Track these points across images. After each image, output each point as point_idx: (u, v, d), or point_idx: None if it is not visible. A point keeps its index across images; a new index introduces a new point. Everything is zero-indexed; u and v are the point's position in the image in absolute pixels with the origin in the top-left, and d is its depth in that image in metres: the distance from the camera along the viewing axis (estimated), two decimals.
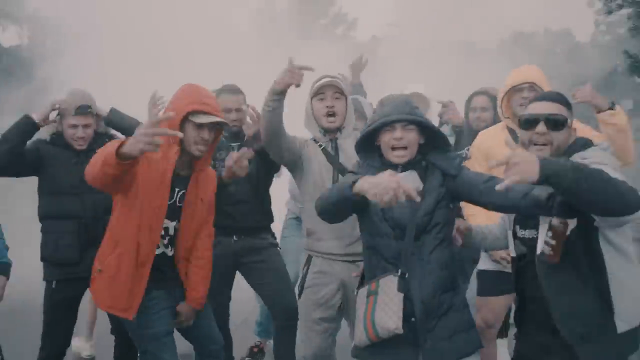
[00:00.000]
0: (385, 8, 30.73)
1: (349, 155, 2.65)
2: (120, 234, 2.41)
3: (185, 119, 2.36)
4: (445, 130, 3.04)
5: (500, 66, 3.47)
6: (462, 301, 2.15)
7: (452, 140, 2.94)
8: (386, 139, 2.07)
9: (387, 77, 4.26)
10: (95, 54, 9.51)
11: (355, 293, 2.21)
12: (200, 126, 2.37)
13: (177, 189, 2.46)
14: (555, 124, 1.95)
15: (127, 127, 3.01)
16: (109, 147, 2.03)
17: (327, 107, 2.66)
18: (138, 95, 3.39)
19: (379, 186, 1.85)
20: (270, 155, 2.78)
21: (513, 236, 2.12)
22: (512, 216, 2.13)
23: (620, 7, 5.93)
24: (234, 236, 3.08)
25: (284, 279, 3.19)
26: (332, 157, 2.70)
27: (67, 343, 3.02)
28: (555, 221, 1.79)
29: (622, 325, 1.86)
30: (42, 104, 2.92)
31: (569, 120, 1.98)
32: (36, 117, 2.84)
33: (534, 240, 1.99)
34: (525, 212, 1.96)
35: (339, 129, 2.72)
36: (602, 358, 1.89)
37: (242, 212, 3.08)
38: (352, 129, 2.79)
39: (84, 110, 2.90)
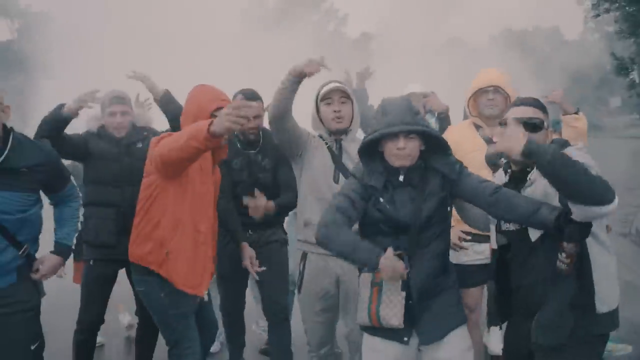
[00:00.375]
0: (376, 4, 30.76)
1: (351, 157, 2.77)
2: (178, 217, 2.56)
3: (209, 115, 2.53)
4: (433, 122, 3.16)
5: (490, 64, 3.55)
6: (452, 280, 2.27)
7: (436, 126, 3.08)
8: (389, 147, 2.13)
9: (377, 74, 4.29)
10: (88, 49, 9.48)
11: (358, 275, 2.27)
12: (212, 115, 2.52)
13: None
14: (533, 127, 2.11)
15: (173, 110, 3.12)
16: (198, 125, 2.23)
17: (335, 111, 2.77)
18: (131, 90, 3.43)
19: (391, 273, 2.01)
20: (275, 136, 2.85)
21: (496, 229, 2.23)
22: None
23: (608, 11, 6.02)
24: (250, 230, 3.13)
25: (279, 276, 3.24)
26: (336, 157, 2.81)
27: (101, 318, 3.22)
28: (568, 246, 1.91)
29: (602, 307, 2.02)
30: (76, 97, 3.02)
31: (545, 123, 2.15)
32: (66, 108, 2.96)
33: (520, 232, 2.10)
34: (531, 227, 2.04)
35: (345, 132, 2.82)
36: (585, 338, 2.02)
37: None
38: (357, 132, 2.91)
39: (120, 99, 3.18)
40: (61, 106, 2.98)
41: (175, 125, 2.90)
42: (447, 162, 2.16)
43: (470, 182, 2.13)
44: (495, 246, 2.25)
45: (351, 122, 2.83)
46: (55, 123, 2.96)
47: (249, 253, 2.94)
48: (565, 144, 2.15)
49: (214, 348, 3.91)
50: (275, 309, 3.17)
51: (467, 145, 3.00)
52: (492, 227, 2.26)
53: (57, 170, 2.48)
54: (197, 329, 2.82)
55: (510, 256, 2.18)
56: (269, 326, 3.27)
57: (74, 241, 2.65)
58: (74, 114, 2.95)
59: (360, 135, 3.06)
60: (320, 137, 2.84)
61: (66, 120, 2.97)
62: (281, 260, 3.26)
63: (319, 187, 2.77)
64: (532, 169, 2.07)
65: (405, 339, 2.21)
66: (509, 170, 2.19)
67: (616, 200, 1.83)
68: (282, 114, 2.71)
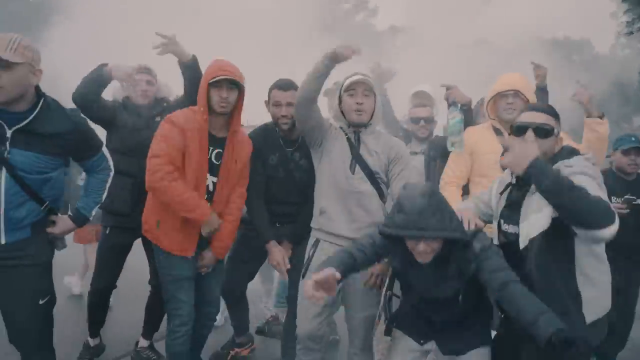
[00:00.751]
0: None
1: (369, 150, 2.85)
2: None
3: (210, 87, 2.74)
4: (457, 113, 3.13)
5: (514, 69, 3.53)
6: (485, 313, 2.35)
7: (460, 115, 3.09)
8: (410, 244, 2.11)
9: (400, 69, 4.29)
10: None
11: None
12: (217, 86, 2.72)
13: (211, 148, 2.82)
14: (543, 132, 2.14)
15: (193, 77, 3.16)
16: (199, 212, 2.77)
17: (357, 103, 2.81)
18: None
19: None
20: (298, 123, 2.90)
21: (497, 228, 2.28)
22: (500, 208, 2.30)
23: None
24: (277, 223, 3.17)
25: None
26: (354, 148, 2.86)
27: (113, 283, 3.45)
28: None
29: (590, 315, 2.08)
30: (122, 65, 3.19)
31: (555, 130, 2.17)
32: (108, 69, 3.10)
33: (515, 235, 2.16)
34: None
35: (365, 125, 2.85)
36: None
37: None
38: (377, 126, 2.96)
39: (147, 69, 3.41)
40: (103, 66, 3.06)
41: (192, 91, 2.99)
42: (464, 257, 2.11)
43: (482, 274, 2.09)
44: (496, 242, 2.29)
45: (372, 116, 2.85)
46: (98, 83, 3.09)
47: (277, 255, 3.01)
48: (574, 152, 2.16)
49: (218, 322, 4.01)
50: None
51: (485, 147, 3.05)
52: (495, 224, 2.31)
53: (84, 140, 2.53)
54: (198, 304, 2.90)
55: (507, 257, 2.19)
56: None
57: (93, 212, 2.71)
58: (114, 78, 3.10)
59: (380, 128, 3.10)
60: (341, 128, 2.88)
61: (107, 82, 3.11)
62: None
63: (335, 176, 2.82)
64: None
65: (422, 341, 2.36)
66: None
67: (617, 223, 1.83)
68: (310, 98, 2.75)
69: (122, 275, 3.48)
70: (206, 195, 2.84)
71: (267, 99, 3.17)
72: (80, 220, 2.66)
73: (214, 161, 2.83)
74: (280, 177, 3.06)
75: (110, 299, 3.62)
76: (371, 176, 2.83)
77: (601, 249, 2.12)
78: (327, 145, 2.88)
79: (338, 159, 2.84)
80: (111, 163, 2.73)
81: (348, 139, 2.87)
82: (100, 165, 2.68)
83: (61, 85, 3.69)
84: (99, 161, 2.66)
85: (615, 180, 3.52)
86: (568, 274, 2.06)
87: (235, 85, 2.76)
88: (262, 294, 4.45)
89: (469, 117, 3.32)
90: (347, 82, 2.81)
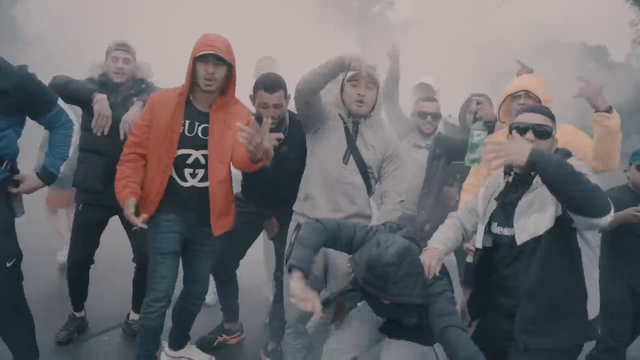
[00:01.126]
0: None
1: (365, 143, 2.83)
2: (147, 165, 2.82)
3: (196, 62, 2.68)
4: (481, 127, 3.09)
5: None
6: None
7: (484, 135, 3.01)
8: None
9: (413, 63, 4.22)
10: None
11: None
12: (203, 61, 2.65)
13: (197, 123, 2.78)
14: (542, 133, 2.16)
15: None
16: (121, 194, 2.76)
17: (359, 94, 2.77)
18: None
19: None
20: (297, 107, 2.85)
21: (485, 230, 2.30)
22: (488, 210, 2.32)
23: None
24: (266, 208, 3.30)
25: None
26: (350, 138, 2.83)
27: (90, 258, 3.46)
28: None
29: (591, 312, 2.13)
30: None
31: (553, 132, 2.20)
32: (95, 102, 3.12)
33: (510, 238, 2.18)
34: None
35: (364, 116, 2.81)
36: (561, 342, 2.12)
37: None
38: (377, 119, 2.93)
39: (125, 45, 3.34)
40: (93, 95, 3.08)
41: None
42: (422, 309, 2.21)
43: (429, 315, 2.18)
44: (479, 245, 2.30)
45: (372, 108, 2.80)
46: (79, 102, 3.11)
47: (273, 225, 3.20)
48: (568, 154, 2.18)
49: (209, 300, 3.98)
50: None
51: None
52: (480, 228, 2.31)
53: (33, 96, 2.47)
54: (187, 281, 2.88)
55: (498, 257, 2.25)
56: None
57: (61, 169, 2.69)
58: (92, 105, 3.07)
59: (383, 116, 3.05)
60: (340, 116, 2.83)
61: (87, 103, 3.11)
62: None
63: (327, 164, 2.78)
64: (536, 172, 2.07)
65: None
66: (511, 173, 2.21)
67: (612, 212, 1.88)
68: (311, 91, 2.71)
69: (111, 251, 3.48)
70: (198, 171, 2.81)
71: (251, 93, 3.10)
72: (47, 177, 2.66)
73: (202, 136, 2.79)
74: (268, 172, 2.95)
75: (100, 275, 3.64)
76: (363, 169, 2.82)
77: (597, 244, 2.16)
78: (323, 132, 2.85)
79: (332, 147, 2.82)
80: (72, 117, 2.72)
81: (346, 129, 2.83)
82: (59, 120, 2.64)
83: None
84: (56, 116, 2.63)
85: (630, 196, 3.40)
86: (576, 272, 2.09)
87: (224, 61, 2.69)
88: (266, 279, 4.42)
89: (490, 134, 3.22)
90: (351, 72, 2.76)
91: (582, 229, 2.02)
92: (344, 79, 2.85)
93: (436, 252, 2.36)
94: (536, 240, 2.09)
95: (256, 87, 3.03)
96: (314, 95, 2.73)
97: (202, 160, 2.81)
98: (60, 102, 2.69)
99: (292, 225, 2.93)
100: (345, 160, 2.80)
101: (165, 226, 2.81)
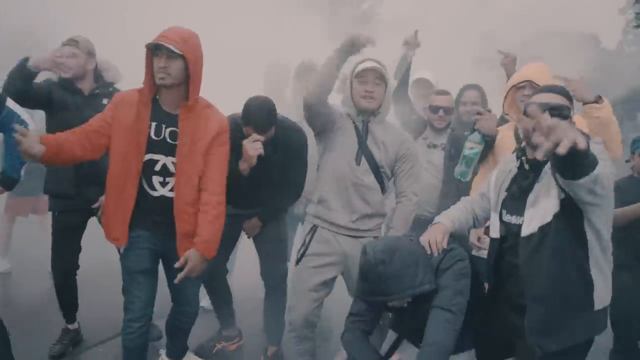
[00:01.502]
0: None
1: (376, 141, 2.80)
2: (109, 172, 2.58)
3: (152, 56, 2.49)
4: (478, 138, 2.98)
5: (520, 61, 3.42)
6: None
7: (478, 149, 2.93)
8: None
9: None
10: None
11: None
12: (155, 54, 2.46)
13: (164, 125, 2.57)
14: (560, 114, 2.03)
15: None
16: None
17: (367, 91, 2.75)
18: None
19: None
20: (307, 117, 2.80)
21: (499, 219, 2.23)
22: (500, 198, 2.24)
23: None
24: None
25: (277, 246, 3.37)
26: (361, 138, 2.80)
27: (74, 264, 3.36)
28: None
29: (598, 302, 2.06)
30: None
31: (571, 112, 2.10)
32: (32, 63, 2.90)
33: (518, 227, 2.12)
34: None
35: (373, 112, 2.77)
36: (575, 337, 2.06)
37: None
38: (386, 116, 2.90)
39: (73, 41, 3.18)
40: (26, 60, 2.85)
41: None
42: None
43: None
44: (496, 235, 2.23)
45: (381, 105, 2.79)
46: (24, 79, 2.88)
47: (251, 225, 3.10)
48: (587, 137, 2.08)
49: (206, 304, 3.89)
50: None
51: (507, 145, 2.94)
52: (494, 216, 2.25)
53: None
54: (176, 302, 2.77)
55: (506, 246, 2.19)
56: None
57: (22, 173, 2.61)
58: (40, 69, 2.90)
59: (389, 118, 3.02)
60: (349, 115, 2.81)
61: (33, 76, 2.91)
62: (279, 232, 3.32)
63: (339, 166, 2.77)
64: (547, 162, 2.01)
65: None
66: (523, 158, 2.14)
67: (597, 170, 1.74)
68: (322, 99, 2.68)
69: (100, 259, 3.42)
70: (168, 179, 2.58)
71: (240, 115, 2.98)
72: (7, 182, 2.56)
73: (169, 140, 2.56)
74: (251, 175, 2.87)
75: (91, 284, 3.58)
76: (375, 169, 2.80)
77: (607, 238, 2.09)
78: (334, 134, 2.84)
79: (344, 149, 2.81)
80: (26, 117, 2.61)
81: (356, 128, 2.79)
82: (10, 121, 2.54)
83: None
84: (8, 117, 2.54)
85: (637, 186, 3.27)
86: (582, 260, 2.03)
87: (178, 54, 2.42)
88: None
89: (487, 148, 3.08)
90: (359, 68, 2.74)
91: (578, 197, 1.88)
92: (352, 76, 2.80)
93: (441, 227, 2.30)
94: (544, 230, 2.02)
95: (246, 121, 2.90)
96: (325, 101, 2.70)
97: (172, 169, 2.59)
98: (10, 102, 2.59)
99: (307, 227, 2.91)
100: (357, 161, 2.79)
101: (133, 242, 2.63)
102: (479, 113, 2.98)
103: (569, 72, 3.00)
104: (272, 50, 4.62)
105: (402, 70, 3.87)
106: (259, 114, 2.86)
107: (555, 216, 2.01)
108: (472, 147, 2.91)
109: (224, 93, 3.13)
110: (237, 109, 3.06)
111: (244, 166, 2.79)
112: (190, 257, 2.55)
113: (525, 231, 2.07)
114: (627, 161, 3.41)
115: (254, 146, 2.74)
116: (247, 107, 2.89)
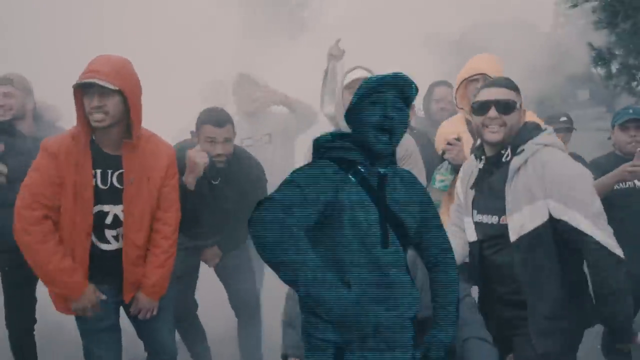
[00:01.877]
0: None
1: None
2: (59, 230, 2.32)
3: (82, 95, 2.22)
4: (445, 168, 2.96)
5: (462, 57, 3.46)
6: None
7: (448, 182, 2.87)
8: None
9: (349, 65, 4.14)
10: None
11: None
12: (85, 93, 2.20)
13: (110, 171, 2.33)
14: (506, 107, 2.05)
15: None
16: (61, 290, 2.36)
17: None
18: None
19: None
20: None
21: (473, 221, 2.22)
22: (469, 201, 2.23)
23: (587, 0, 5.98)
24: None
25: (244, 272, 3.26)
26: None
27: (30, 319, 3.16)
28: None
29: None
30: None
31: (517, 104, 2.09)
32: None
33: (491, 226, 2.11)
34: None
35: None
36: (575, 332, 2.10)
37: None
38: None
39: (6, 79, 3.01)
40: None
41: None
42: None
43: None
44: (474, 238, 2.20)
45: None
46: None
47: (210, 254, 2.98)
48: (538, 127, 2.11)
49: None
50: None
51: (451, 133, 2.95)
52: (468, 220, 2.22)
53: None
54: (151, 351, 2.63)
55: (485, 246, 2.17)
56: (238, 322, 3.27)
57: None
58: None
59: None
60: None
61: None
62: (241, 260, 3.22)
63: None
64: (506, 150, 2.02)
65: None
66: (482, 157, 2.13)
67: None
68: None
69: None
70: (116, 231, 2.38)
71: (193, 129, 2.93)
72: None
73: (117, 185, 2.34)
74: (201, 197, 2.76)
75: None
76: None
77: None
78: None
79: None
80: None
81: None
82: None
83: None
84: None
85: (617, 162, 2.97)
86: (577, 259, 2.05)
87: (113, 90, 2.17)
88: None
89: (454, 175, 2.97)
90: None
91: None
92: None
93: None
94: (537, 231, 2.01)
95: (201, 122, 2.84)
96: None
97: (121, 217, 2.37)
98: None
99: None
100: None
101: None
102: (449, 143, 2.90)
103: (516, 59, 3.04)
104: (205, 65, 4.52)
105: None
106: (215, 109, 2.88)
107: (545, 222, 2.01)
108: (441, 179, 2.86)
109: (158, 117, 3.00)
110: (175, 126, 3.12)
111: (189, 178, 2.64)
112: (139, 300, 2.45)
113: (513, 236, 2.05)
114: (608, 138, 3.34)
115: (200, 154, 2.65)
116: (202, 111, 2.90)
